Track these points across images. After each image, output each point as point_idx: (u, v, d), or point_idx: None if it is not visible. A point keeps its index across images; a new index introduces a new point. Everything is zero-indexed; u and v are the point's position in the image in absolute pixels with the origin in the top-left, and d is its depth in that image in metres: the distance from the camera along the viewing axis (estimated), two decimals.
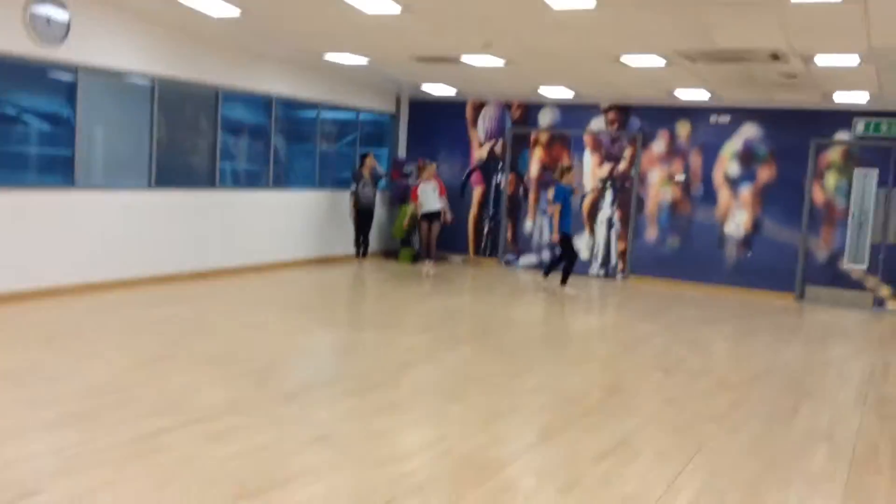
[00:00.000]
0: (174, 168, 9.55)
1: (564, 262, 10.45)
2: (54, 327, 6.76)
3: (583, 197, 12.45)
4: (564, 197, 10.29)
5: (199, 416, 4.70)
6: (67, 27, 7.95)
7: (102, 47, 8.36)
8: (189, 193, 9.67)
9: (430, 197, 11.48)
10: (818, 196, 11.18)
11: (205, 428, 4.50)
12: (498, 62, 9.76)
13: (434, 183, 11.53)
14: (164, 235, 9.30)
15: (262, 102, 10.80)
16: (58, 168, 8.29)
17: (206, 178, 9.98)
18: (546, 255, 12.53)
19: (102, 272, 8.57)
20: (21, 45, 7.56)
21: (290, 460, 4.11)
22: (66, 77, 8.18)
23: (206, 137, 9.94)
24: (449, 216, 11.76)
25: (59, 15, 7.86)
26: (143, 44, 8.84)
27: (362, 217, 11.75)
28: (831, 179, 11.10)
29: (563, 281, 10.45)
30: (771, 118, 11.36)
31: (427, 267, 11.57)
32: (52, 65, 7.97)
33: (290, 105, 11.35)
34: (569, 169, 10.57)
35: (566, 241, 10.40)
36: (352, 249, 12.13)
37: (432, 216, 11.57)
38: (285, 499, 3.66)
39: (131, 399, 4.94)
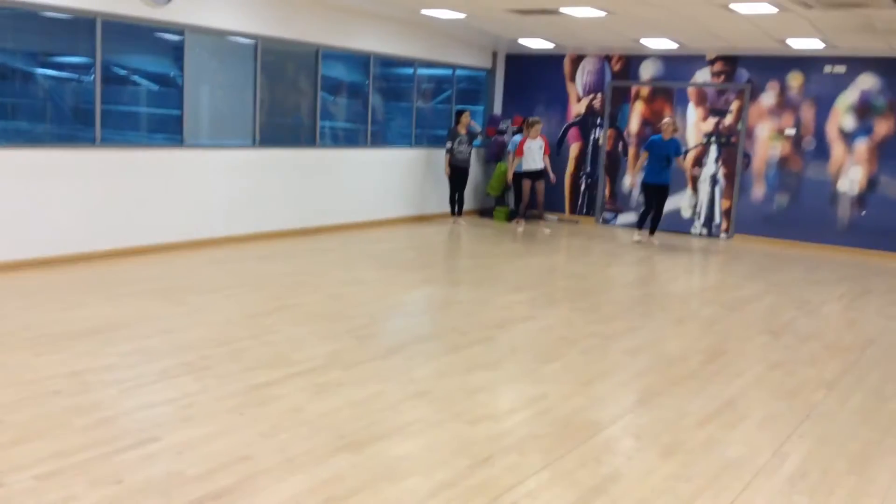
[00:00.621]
0: (276, 127, 9.76)
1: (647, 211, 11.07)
2: (166, 282, 7.07)
3: (686, 152, 12.07)
4: (649, 146, 10.80)
5: (304, 368, 4.85)
6: None
7: (208, 7, 8.55)
8: (291, 152, 9.87)
9: (535, 154, 11.37)
10: None
11: (310, 380, 4.64)
12: (598, 13, 9.49)
13: (541, 141, 11.40)
14: (268, 193, 9.54)
15: (360, 60, 10.86)
16: (166, 127, 8.59)
17: (307, 137, 10.16)
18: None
19: (209, 229, 8.89)
20: (130, 6, 7.81)
21: (391, 414, 4.20)
22: (173, 38, 8.42)
23: (306, 96, 10.09)
24: (553, 176, 11.73)
25: None
26: (246, 3, 8.99)
27: (458, 175, 11.72)
28: None
29: (646, 229, 11.16)
30: (891, 67, 10.68)
31: (543, 224, 11.74)
32: (159, 26, 8.21)
33: (387, 62, 11.37)
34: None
35: (644, 191, 11.02)
36: (447, 208, 12.15)
37: (537, 174, 11.46)
38: (386, 451, 3.74)
39: (240, 351, 5.13)
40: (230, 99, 9.21)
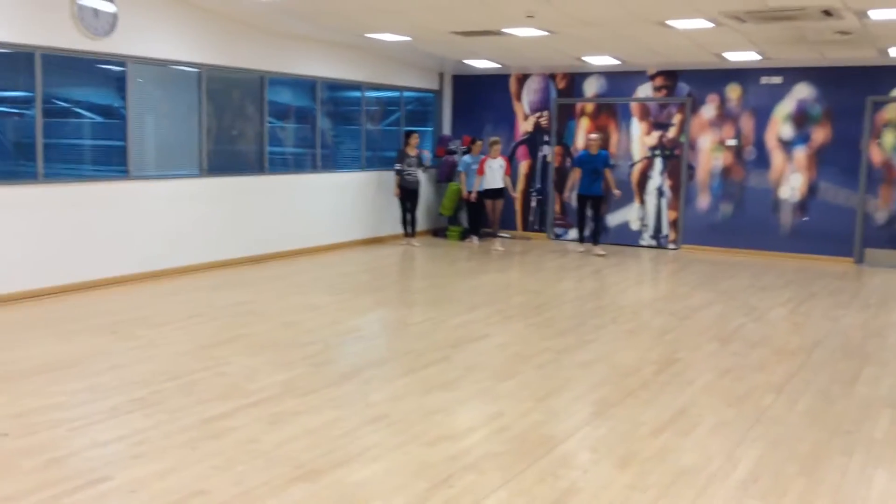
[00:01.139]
0: (224, 155, 9.70)
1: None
2: (115, 316, 6.95)
3: (630, 166, 12.31)
4: (578, 162, 11.42)
5: (258, 399, 4.81)
6: (115, 18, 8.08)
7: (149, 38, 8.49)
8: (239, 179, 9.81)
9: (496, 174, 11.62)
10: (875, 156, 10.85)
11: (264, 410, 4.60)
12: (541, 33, 9.65)
13: (501, 160, 11.69)
14: (217, 222, 9.46)
15: (307, 85, 10.86)
16: (111, 159, 8.48)
17: (255, 164, 10.11)
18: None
19: (158, 261, 8.77)
20: (70, 39, 7.72)
21: (348, 441, 4.18)
22: (115, 69, 8.33)
23: (253, 123, 10.05)
24: (514, 194, 12.21)
25: (106, 6, 7.99)
26: (188, 32, 8.95)
27: (408, 196, 11.77)
28: (889, 138, 10.77)
29: (589, 241, 11.64)
30: (824, 77, 11.03)
31: (496, 243, 11.83)
32: (101, 57, 8.13)
33: (334, 86, 11.39)
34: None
35: (578, 202, 11.53)
36: (399, 229, 12.17)
37: (497, 193, 11.67)
38: (345, 478, 3.72)
39: (192, 384, 5.07)
40: (175, 128, 9.13)
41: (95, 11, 7.89)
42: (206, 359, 5.66)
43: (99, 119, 8.57)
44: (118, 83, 8.39)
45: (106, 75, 8.39)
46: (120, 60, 8.27)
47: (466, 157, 12.13)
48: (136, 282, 8.45)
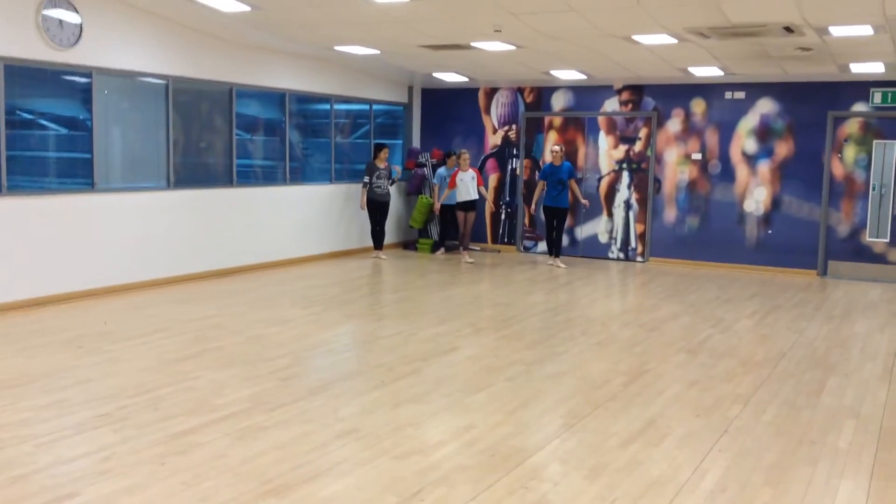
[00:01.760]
0: (191, 167, 9.62)
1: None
2: (81, 331, 6.85)
3: (598, 179, 12.43)
4: (543, 175, 11.53)
5: (226, 413, 4.76)
6: (80, 29, 8.00)
7: (116, 48, 8.42)
8: (207, 192, 9.74)
9: (468, 186, 11.66)
10: (837, 169, 11.07)
11: (232, 425, 4.56)
12: (508, 47, 9.72)
13: (472, 172, 11.76)
14: (184, 235, 9.38)
15: (276, 97, 10.83)
16: (77, 171, 8.38)
17: (223, 177, 10.04)
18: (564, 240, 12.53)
19: (126, 274, 8.67)
20: (34, 49, 7.63)
21: (317, 455, 4.16)
22: (81, 80, 8.24)
23: (221, 135, 9.99)
24: (491, 206, 12.56)
25: (71, 17, 7.91)
26: (155, 43, 8.89)
27: (378, 209, 11.76)
28: (850, 152, 11.00)
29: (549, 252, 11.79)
30: (787, 92, 11.25)
31: (465, 256, 11.79)
32: (66, 68, 8.04)
33: (304, 99, 11.37)
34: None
35: (545, 214, 11.61)
36: (368, 242, 12.15)
37: (468, 205, 11.71)
38: (314, 493, 3.70)
39: (159, 399, 5.01)
40: (142, 140, 9.05)
41: (60, 22, 7.81)
42: (173, 373, 5.59)
43: (64, 131, 8.47)
44: (84, 94, 8.30)
45: (71, 86, 8.30)
46: (85, 71, 8.19)
47: (441, 170, 12.20)
48: (101, 296, 8.34)
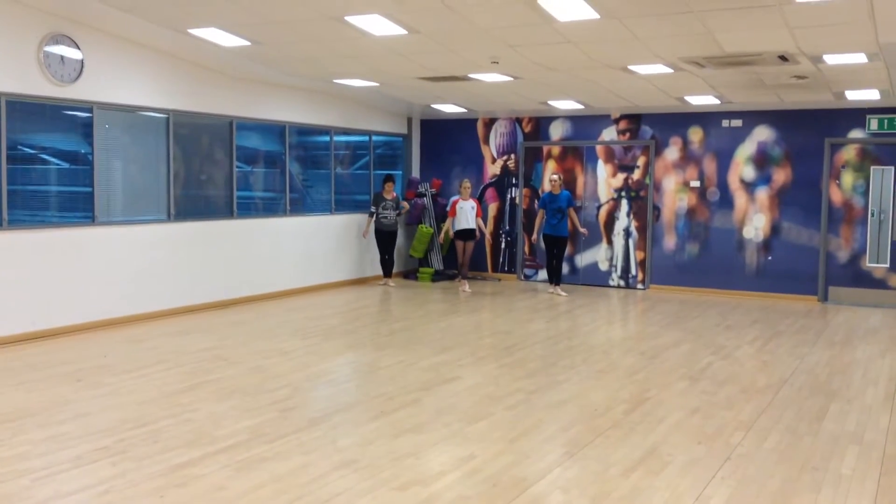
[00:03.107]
0: (192, 200, 9.67)
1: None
2: (80, 364, 6.83)
3: (598, 207, 12.47)
4: (542, 203, 11.48)
5: (225, 445, 4.74)
6: (81, 65, 8.09)
7: (116, 84, 8.50)
8: (207, 224, 9.77)
9: (468, 215, 11.69)
10: (836, 196, 11.11)
11: (232, 457, 4.54)
12: (506, 78, 9.81)
13: (472, 202, 11.77)
14: (184, 267, 9.39)
15: (276, 130, 10.91)
16: (78, 205, 8.41)
17: (223, 208, 10.08)
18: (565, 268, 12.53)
19: (126, 307, 8.67)
20: (37, 85, 7.71)
21: (317, 487, 4.13)
22: (82, 115, 8.31)
23: (221, 168, 10.05)
24: (488, 236, 12.46)
25: (72, 53, 8.00)
26: (156, 78, 8.97)
27: (385, 239, 11.91)
28: (847, 178, 11.04)
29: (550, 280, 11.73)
30: (783, 119, 11.32)
31: (463, 285, 11.81)
32: (67, 103, 8.11)
33: (304, 131, 11.45)
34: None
35: (545, 244, 11.60)
36: (368, 272, 12.21)
37: (468, 234, 11.72)
38: None
39: (159, 431, 4.99)
40: (143, 173, 9.10)
41: (62, 58, 7.90)
42: (172, 406, 5.57)
43: (65, 165, 8.52)
44: (85, 129, 8.36)
45: (72, 121, 8.36)
46: (87, 106, 8.26)
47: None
48: (101, 328, 8.33)
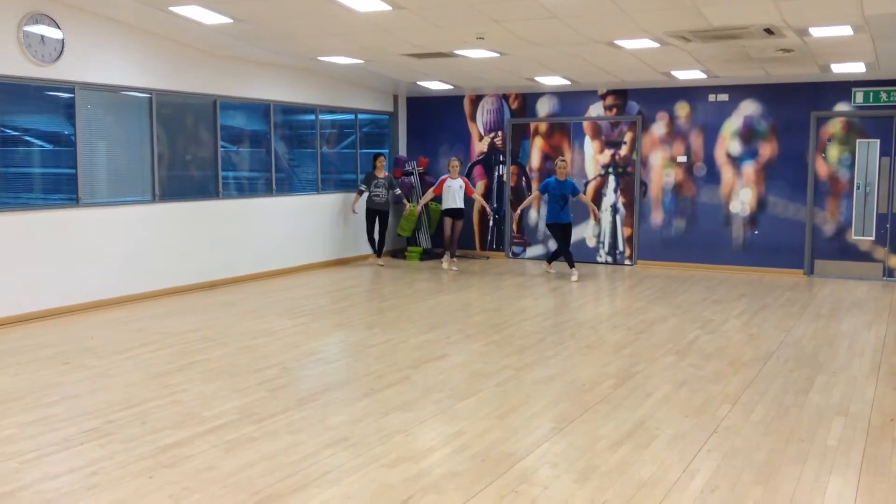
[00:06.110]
0: (177, 180, 9.59)
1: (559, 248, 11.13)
2: (67, 346, 6.81)
3: (585, 184, 12.46)
4: (544, 189, 10.96)
5: (214, 425, 4.74)
6: (62, 45, 7.98)
7: (98, 63, 8.40)
8: (192, 205, 9.71)
9: (455, 194, 11.57)
10: (822, 169, 11.14)
11: (221, 437, 4.54)
12: (492, 54, 9.75)
13: (461, 181, 11.64)
14: (170, 248, 9.34)
15: (261, 109, 10.82)
16: (61, 187, 8.34)
17: (209, 189, 10.01)
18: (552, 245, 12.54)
19: (110, 288, 8.62)
20: (17, 65, 7.60)
21: (306, 465, 4.14)
22: (64, 95, 8.21)
23: (206, 147, 9.97)
24: (489, 211, 12.29)
25: (52, 33, 7.89)
26: (138, 57, 8.87)
27: (378, 217, 11.92)
28: (833, 152, 11.07)
29: (556, 261, 11.46)
30: (769, 93, 11.32)
31: (448, 263, 11.73)
32: (49, 84, 8.01)
33: (289, 110, 11.37)
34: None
35: (550, 231, 11.06)
36: (356, 251, 12.19)
37: (456, 213, 11.64)
38: (304, 503, 3.68)
39: (147, 412, 4.98)
40: (127, 154, 9.01)
41: (42, 38, 7.79)
42: (160, 387, 5.56)
43: (48, 146, 8.43)
44: (67, 110, 8.27)
45: (55, 102, 8.27)
46: (68, 87, 8.16)
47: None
48: (87, 310, 8.29)
